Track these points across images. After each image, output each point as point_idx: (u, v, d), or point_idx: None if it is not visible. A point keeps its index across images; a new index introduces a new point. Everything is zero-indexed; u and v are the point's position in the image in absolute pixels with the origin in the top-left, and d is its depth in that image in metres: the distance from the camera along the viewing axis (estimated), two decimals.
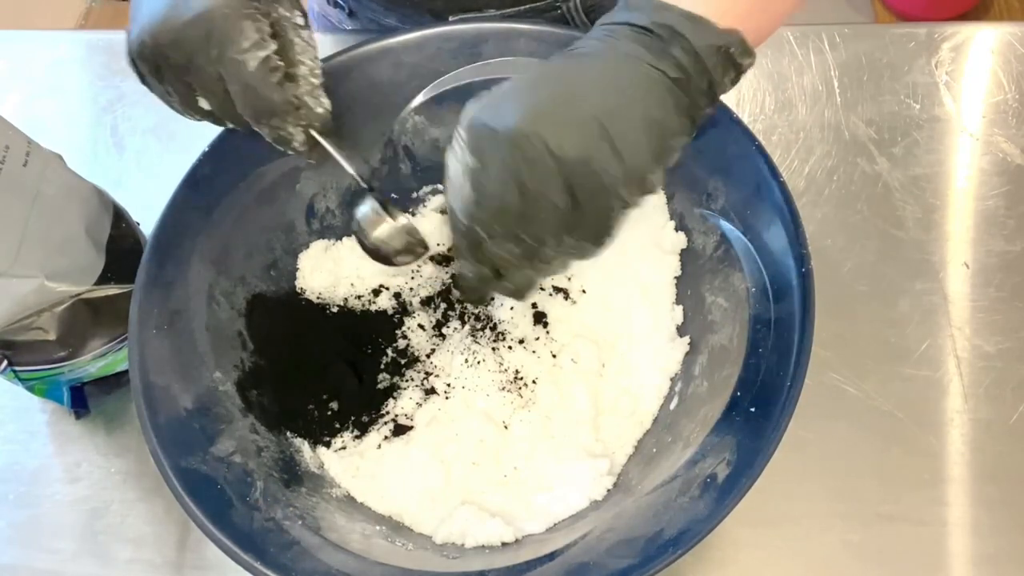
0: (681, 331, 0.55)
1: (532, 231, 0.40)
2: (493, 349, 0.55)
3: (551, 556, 0.46)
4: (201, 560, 0.55)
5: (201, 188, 0.53)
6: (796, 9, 0.44)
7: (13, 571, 0.56)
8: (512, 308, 0.56)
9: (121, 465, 0.58)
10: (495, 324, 0.56)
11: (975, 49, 0.69)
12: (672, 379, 0.54)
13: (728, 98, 0.67)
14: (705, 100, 0.40)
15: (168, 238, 0.52)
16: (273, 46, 0.45)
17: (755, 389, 0.46)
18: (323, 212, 0.59)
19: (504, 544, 0.49)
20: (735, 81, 0.41)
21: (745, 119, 0.67)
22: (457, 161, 0.41)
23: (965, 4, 1.62)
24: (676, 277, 0.56)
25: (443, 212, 0.61)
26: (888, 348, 0.58)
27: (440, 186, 0.61)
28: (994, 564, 0.52)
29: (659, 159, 0.39)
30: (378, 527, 0.51)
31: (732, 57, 0.40)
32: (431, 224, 0.61)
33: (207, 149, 0.53)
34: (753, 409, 0.45)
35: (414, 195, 0.61)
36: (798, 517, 0.54)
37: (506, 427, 0.53)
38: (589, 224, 0.40)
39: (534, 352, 0.55)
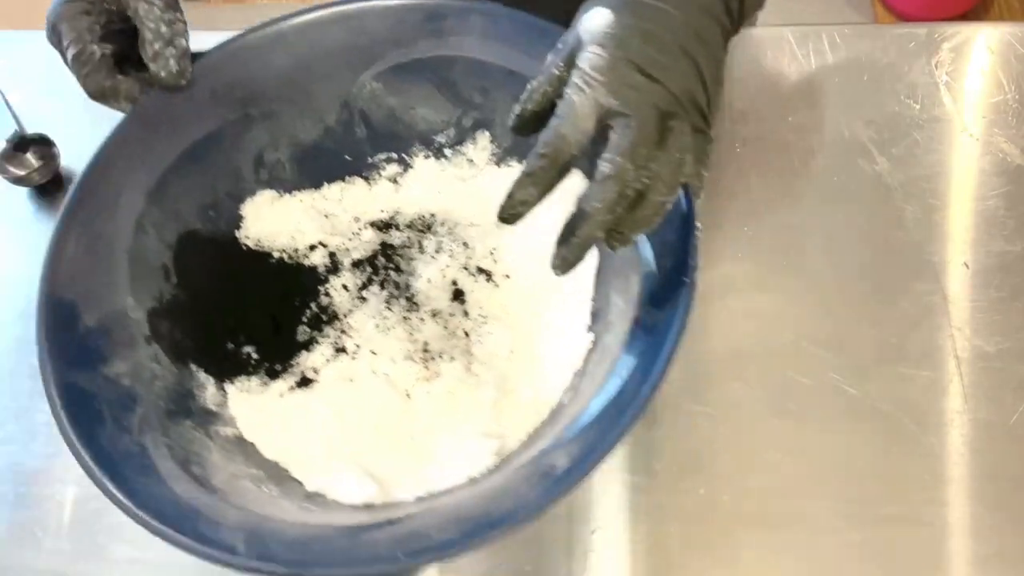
0: (589, 328, 0.55)
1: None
2: (405, 318, 0.56)
3: (391, 522, 0.46)
4: (200, 561, 0.55)
5: (148, 121, 0.54)
6: None
7: (13, 572, 0.56)
8: (430, 280, 0.57)
9: None
10: (412, 294, 0.57)
11: (975, 49, 0.69)
12: (575, 374, 0.54)
13: (728, 98, 0.68)
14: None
15: (105, 163, 0.53)
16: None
17: (616, 390, 0.46)
18: (273, 163, 0.60)
19: (368, 506, 0.50)
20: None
21: (744, 120, 0.67)
22: (587, 99, 0.43)
23: (965, 4, 1.62)
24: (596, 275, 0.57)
25: (394, 181, 0.62)
26: (888, 348, 0.58)
27: (394, 154, 0.61)
28: (994, 565, 0.52)
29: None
30: (253, 470, 0.51)
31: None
32: (384, 191, 0.61)
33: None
34: (609, 409, 0.45)
35: (368, 160, 0.61)
36: (798, 518, 0.54)
37: (408, 396, 0.54)
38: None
39: (446, 328, 0.56)
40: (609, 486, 0.55)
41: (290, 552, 0.43)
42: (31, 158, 0.67)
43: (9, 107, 0.69)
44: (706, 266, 0.61)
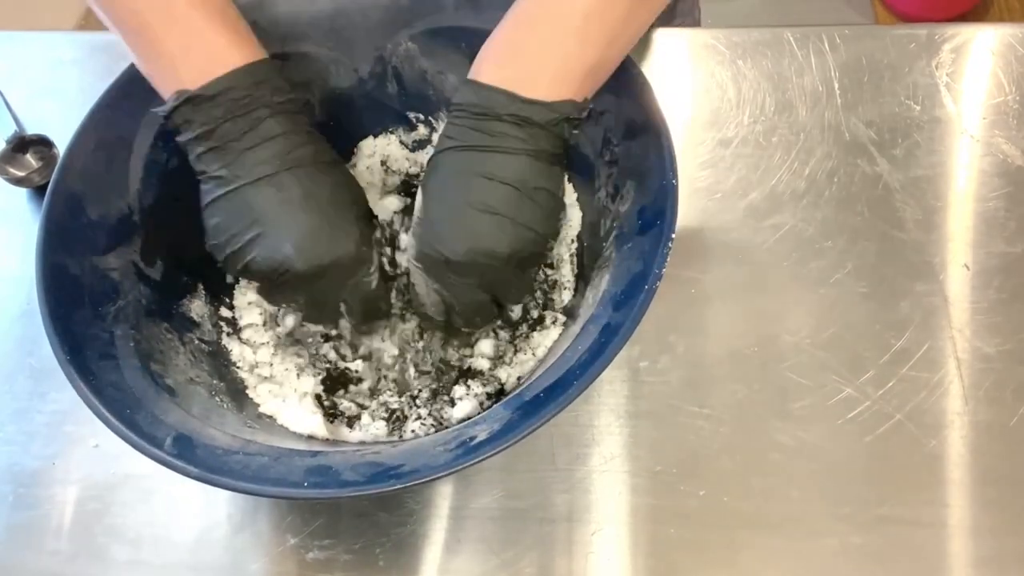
0: (564, 322, 0.57)
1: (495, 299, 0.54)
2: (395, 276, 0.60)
3: (314, 454, 0.47)
4: (199, 562, 0.55)
5: None
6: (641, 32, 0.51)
7: (13, 572, 0.56)
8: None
9: (121, 467, 0.58)
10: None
11: (975, 50, 0.69)
12: (538, 361, 0.56)
13: (729, 100, 0.68)
14: (565, 149, 0.51)
15: (140, 77, 0.53)
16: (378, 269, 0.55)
17: (551, 382, 0.47)
18: (302, 104, 0.60)
19: (311, 437, 0.52)
20: (578, 128, 0.51)
21: (745, 120, 0.67)
22: (423, 282, 0.52)
23: (965, 4, 1.62)
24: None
25: (418, 141, 0.64)
26: (888, 350, 0.58)
27: (421, 115, 0.63)
28: (994, 566, 0.52)
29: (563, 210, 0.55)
30: (214, 381, 0.53)
31: (573, 121, 0.49)
32: (407, 148, 0.64)
33: None
34: (541, 395, 0.46)
35: (396, 117, 0.63)
36: (798, 519, 0.54)
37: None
38: (534, 268, 0.55)
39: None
40: (609, 487, 0.55)
41: (210, 458, 0.45)
42: (31, 159, 0.67)
43: (9, 108, 0.69)
44: (706, 267, 0.61)
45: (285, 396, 0.55)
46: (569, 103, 0.48)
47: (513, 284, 0.53)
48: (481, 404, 0.55)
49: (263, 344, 0.58)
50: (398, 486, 0.43)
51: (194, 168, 0.51)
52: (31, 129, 0.68)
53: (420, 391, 0.57)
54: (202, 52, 0.49)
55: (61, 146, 0.68)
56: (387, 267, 0.60)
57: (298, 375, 0.57)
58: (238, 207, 0.50)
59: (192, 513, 0.56)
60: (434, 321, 0.55)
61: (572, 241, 0.59)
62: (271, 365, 0.57)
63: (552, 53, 0.48)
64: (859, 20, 1.67)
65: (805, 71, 0.69)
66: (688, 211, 0.64)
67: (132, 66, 0.55)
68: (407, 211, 0.63)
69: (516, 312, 0.58)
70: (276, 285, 0.52)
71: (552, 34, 0.48)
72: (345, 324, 0.57)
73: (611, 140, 0.54)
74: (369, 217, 0.56)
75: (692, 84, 0.69)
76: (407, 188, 0.64)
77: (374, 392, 0.57)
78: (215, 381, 0.54)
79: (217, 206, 0.51)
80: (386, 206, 0.63)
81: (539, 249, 0.51)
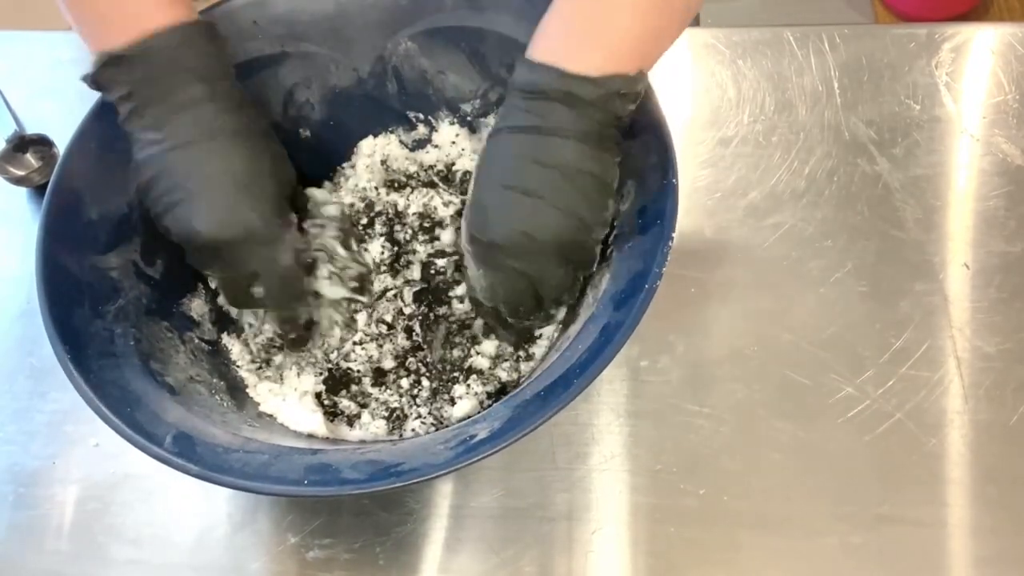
0: (562, 320, 0.57)
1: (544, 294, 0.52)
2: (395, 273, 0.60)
3: (314, 451, 0.47)
4: (199, 562, 0.55)
5: None
6: (691, 16, 0.50)
7: (13, 572, 0.56)
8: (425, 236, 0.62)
9: (121, 466, 0.58)
10: (410, 253, 0.61)
11: (975, 50, 0.69)
12: (538, 359, 0.56)
13: (729, 99, 0.68)
14: (619, 130, 0.49)
15: None
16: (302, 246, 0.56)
17: (552, 380, 0.47)
18: (302, 102, 0.61)
19: (311, 435, 0.53)
20: (636, 101, 0.49)
21: (744, 120, 0.67)
22: (473, 266, 0.53)
23: (965, 4, 1.62)
24: None
25: (417, 140, 0.64)
26: (888, 349, 0.58)
27: (421, 115, 0.63)
28: (994, 565, 0.52)
29: (614, 198, 0.51)
30: (215, 379, 0.54)
31: (628, 96, 0.48)
32: (406, 147, 0.64)
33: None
34: (541, 394, 0.46)
35: (396, 116, 0.63)
36: (798, 519, 0.54)
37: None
38: (582, 264, 0.52)
39: (432, 298, 0.60)
40: (609, 486, 0.55)
41: (211, 456, 0.45)
42: (31, 158, 0.67)
43: (9, 107, 0.69)
44: (706, 267, 0.61)
45: (285, 395, 0.55)
46: (619, 77, 0.47)
47: (553, 275, 0.51)
48: (481, 403, 0.55)
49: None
50: (398, 484, 0.43)
51: (122, 128, 0.52)
52: (31, 129, 0.68)
53: (421, 371, 0.57)
54: (130, 12, 0.50)
55: (61, 146, 0.68)
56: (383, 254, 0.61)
57: (298, 374, 0.57)
58: (160, 171, 0.51)
59: (192, 513, 0.56)
60: (484, 307, 0.55)
61: None
62: (271, 364, 0.57)
63: (599, 25, 0.47)
64: (859, 20, 1.67)
65: (805, 71, 0.69)
66: (688, 210, 0.64)
67: None
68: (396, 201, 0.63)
69: (560, 313, 0.56)
70: (190, 252, 0.53)
71: (599, 5, 0.47)
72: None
73: None
74: (288, 191, 0.55)
75: (692, 84, 0.69)
76: (407, 188, 0.64)
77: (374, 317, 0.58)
78: (215, 380, 0.54)
79: (145, 166, 0.52)
80: (383, 197, 0.63)
81: (582, 237, 0.50)
